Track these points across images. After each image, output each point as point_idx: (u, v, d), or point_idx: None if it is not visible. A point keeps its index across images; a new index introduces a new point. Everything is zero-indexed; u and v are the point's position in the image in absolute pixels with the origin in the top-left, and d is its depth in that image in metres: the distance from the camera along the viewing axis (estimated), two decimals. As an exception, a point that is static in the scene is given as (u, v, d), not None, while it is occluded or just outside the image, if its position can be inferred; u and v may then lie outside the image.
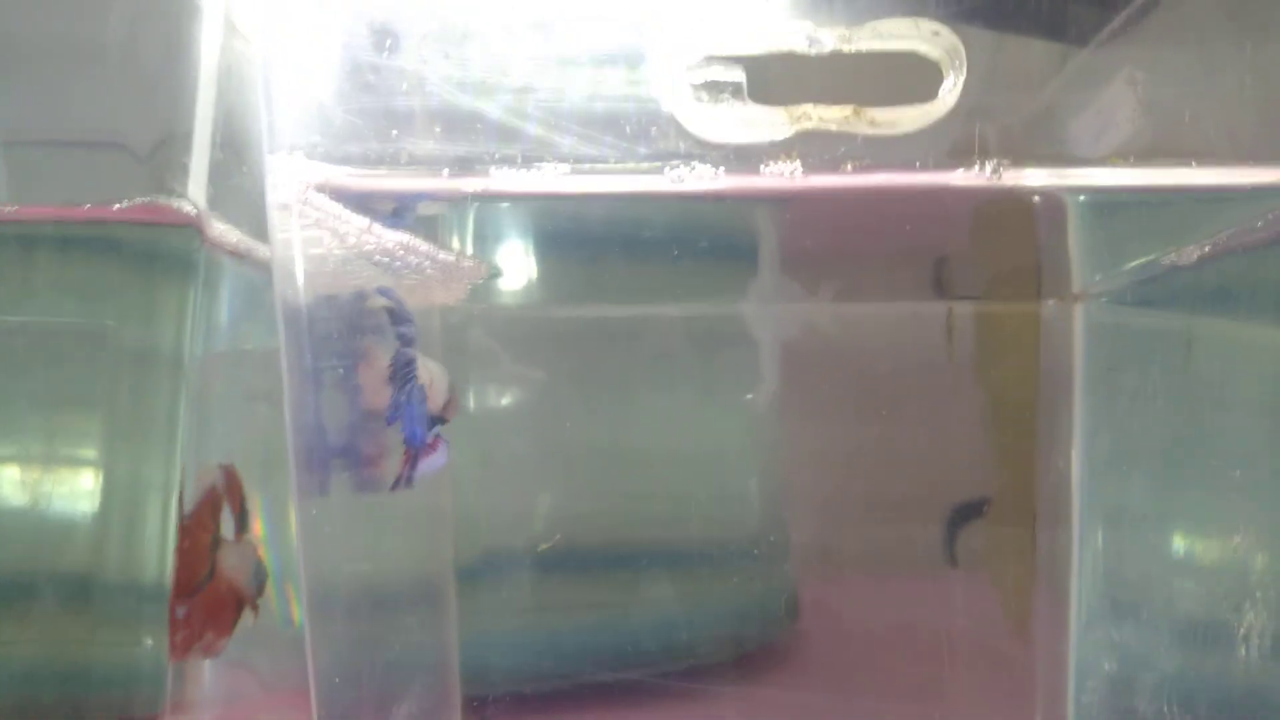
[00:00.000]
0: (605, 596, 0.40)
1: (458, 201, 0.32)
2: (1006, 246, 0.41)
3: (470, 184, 0.27)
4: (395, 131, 0.27)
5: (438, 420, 0.37)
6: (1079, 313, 0.41)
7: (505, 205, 0.33)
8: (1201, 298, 0.36)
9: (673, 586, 0.40)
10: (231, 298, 0.41)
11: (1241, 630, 0.33)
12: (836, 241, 0.39)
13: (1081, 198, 0.34)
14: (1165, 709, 0.37)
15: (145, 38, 0.36)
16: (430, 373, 0.37)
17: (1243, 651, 0.33)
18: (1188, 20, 0.33)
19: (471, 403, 0.41)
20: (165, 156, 0.37)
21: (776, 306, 0.41)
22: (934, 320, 0.43)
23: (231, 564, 0.41)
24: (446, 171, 0.27)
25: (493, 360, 0.41)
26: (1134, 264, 0.39)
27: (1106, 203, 0.36)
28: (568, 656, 0.40)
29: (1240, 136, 0.31)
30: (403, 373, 0.36)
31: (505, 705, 0.38)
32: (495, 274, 0.38)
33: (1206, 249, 0.35)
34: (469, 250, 0.37)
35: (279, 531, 0.43)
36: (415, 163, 0.27)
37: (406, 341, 0.36)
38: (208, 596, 0.40)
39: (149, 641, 0.37)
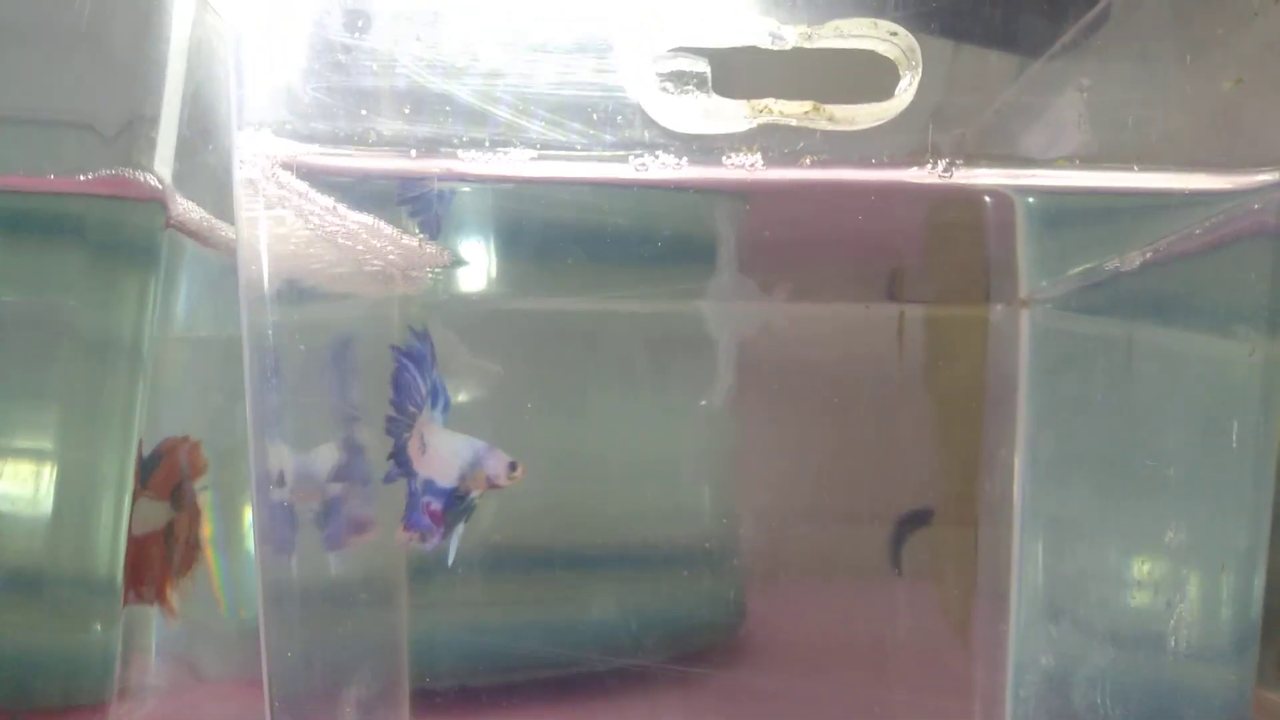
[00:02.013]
0: (553, 593, 0.40)
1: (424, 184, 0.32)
2: (957, 252, 0.42)
3: (436, 165, 0.27)
4: (364, 111, 0.27)
5: (459, 498, 0.36)
6: (1026, 318, 0.42)
7: (470, 191, 0.33)
8: (1143, 304, 0.37)
9: (621, 586, 0.40)
10: (191, 283, 0.41)
11: (1171, 629, 0.34)
12: (790, 238, 0.39)
13: (1030, 200, 0.35)
14: (1099, 702, 0.38)
15: (115, 11, 0.36)
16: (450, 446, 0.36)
17: (1171, 650, 0.34)
18: (1135, 32, 0.34)
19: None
20: (133, 132, 0.37)
21: (731, 304, 0.41)
22: (885, 322, 0.43)
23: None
24: (414, 152, 0.27)
25: (449, 353, 0.41)
26: (1079, 269, 0.40)
27: (1055, 205, 0.37)
28: (513, 651, 0.40)
29: (1182, 142, 0.32)
30: (402, 458, 0.35)
31: (451, 697, 0.38)
32: (457, 261, 0.38)
33: (1148, 255, 0.36)
34: (429, 236, 0.37)
35: (228, 525, 0.43)
36: (383, 143, 0.27)
37: (405, 411, 0.35)
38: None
39: (99, 630, 0.37)
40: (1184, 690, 0.34)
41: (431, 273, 0.38)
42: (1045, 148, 0.32)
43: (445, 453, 0.35)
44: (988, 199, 0.34)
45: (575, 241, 0.37)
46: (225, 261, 0.39)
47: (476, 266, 0.40)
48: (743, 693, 0.40)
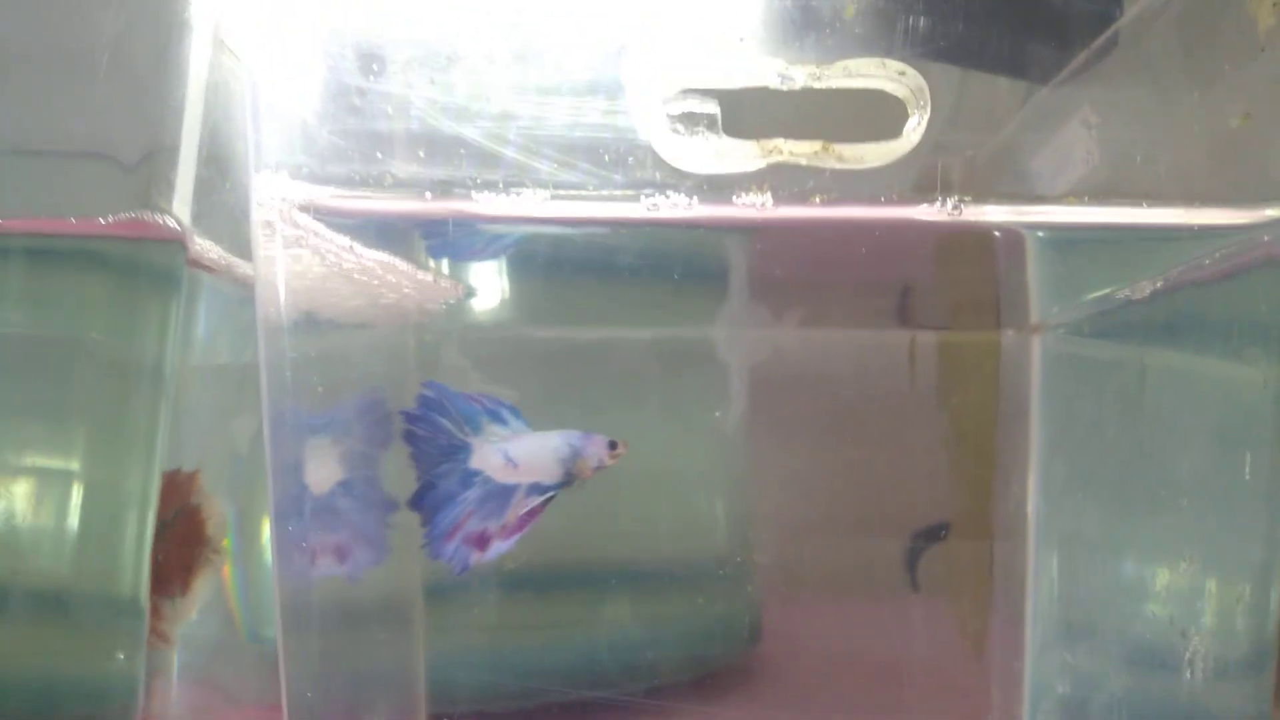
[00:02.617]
0: (570, 615, 0.40)
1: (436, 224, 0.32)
2: (967, 279, 0.42)
3: (450, 207, 0.27)
4: (379, 153, 0.27)
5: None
6: (1037, 343, 0.42)
7: (482, 228, 0.34)
8: (1154, 331, 0.37)
9: (637, 607, 0.40)
10: (208, 312, 0.41)
11: (1188, 654, 0.34)
12: (804, 271, 0.40)
13: (1040, 233, 0.35)
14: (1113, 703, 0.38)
15: (135, 51, 0.37)
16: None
17: (1188, 674, 0.34)
18: (1142, 64, 0.34)
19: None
20: (151, 170, 0.37)
21: (745, 332, 0.41)
22: (897, 348, 0.43)
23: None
24: (429, 194, 0.27)
25: (464, 379, 0.41)
26: (1090, 297, 0.40)
27: (1064, 238, 0.37)
28: (531, 675, 0.40)
29: (1190, 178, 0.32)
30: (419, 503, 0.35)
31: (466, 720, 0.38)
32: (470, 294, 0.39)
33: (1159, 284, 0.36)
34: (445, 270, 0.37)
35: (248, 547, 0.43)
36: (399, 185, 0.27)
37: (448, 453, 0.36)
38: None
39: (122, 655, 0.38)
40: (1201, 711, 0.34)
41: (445, 304, 0.38)
42: (1052, 180, 0.32)
43: (542, 453, 0.36)
44: (997, 233, 0.34)
45: (589, 273, 0.38)
46: (242, 292, 0.40)
47: (490, 297, 0.40)
48: (760, 712, 0.40)
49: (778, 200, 0.28)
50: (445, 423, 0.36)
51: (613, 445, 0.36)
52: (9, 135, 0.37)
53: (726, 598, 0.40)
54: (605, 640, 0.40)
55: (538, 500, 0.36)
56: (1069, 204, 0.31)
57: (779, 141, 0.27)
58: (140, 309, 0.38)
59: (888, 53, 0.27)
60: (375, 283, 0.34)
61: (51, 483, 0.37)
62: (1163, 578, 0.36)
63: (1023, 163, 0.32)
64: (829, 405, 0.42)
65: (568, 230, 0.33)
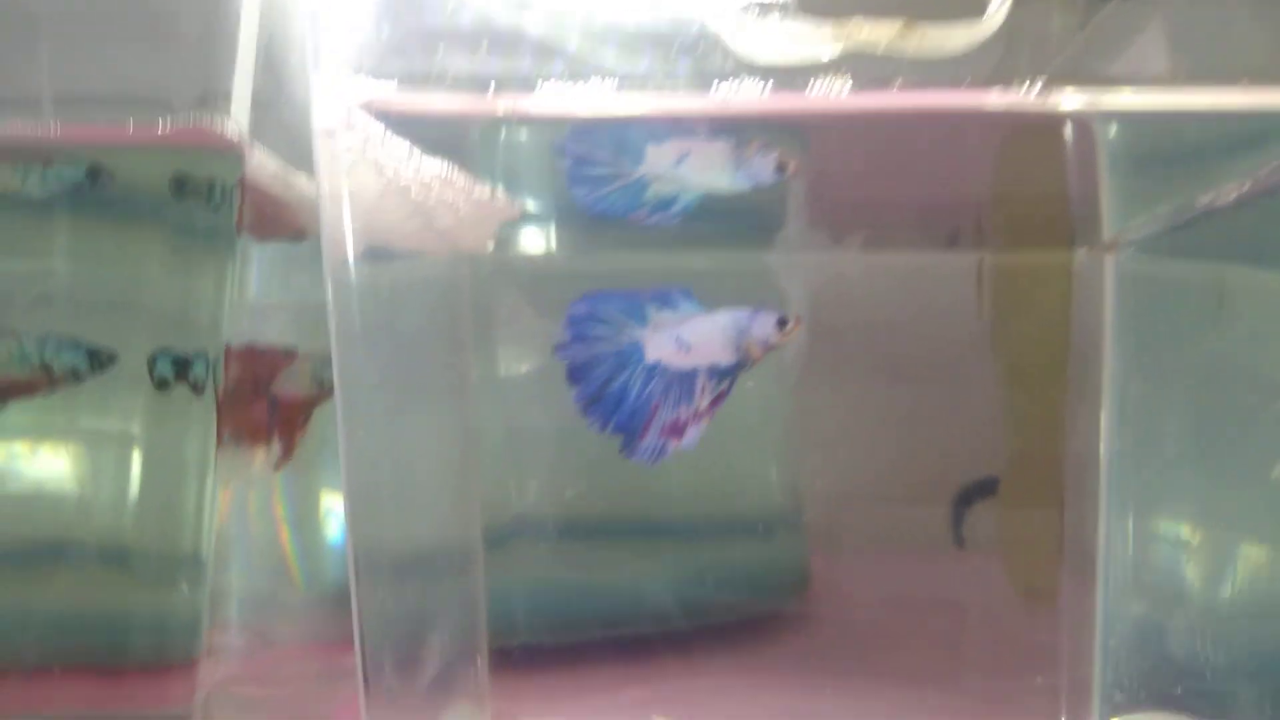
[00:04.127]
0: (620, 560, 0.40)
1: (492, 127, 0.31)
2: (1036, 190, 0.40)
3: (507, 104, 0.26)
4: (439, 47, 0.26)
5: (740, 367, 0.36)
6: (1111, 263, 0.40)
7: (540, 132, 0.33)
8: (1241, 245, 0.35)
9: (686, 551, 0.40)
10: (261, 252, 0.41)
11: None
12: (861, 184, 0.38)
13: (1116, 127, 0.33)
14: (1199, 651, 0.36)
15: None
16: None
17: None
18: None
19: (500, 364, 0.40)
20: (206, 99, 0.36)
21: (800, 255, 0.40)
22: (962, 272, 0.42)
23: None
24: (491, 90, 0.26)
25: (518, 316, 0.40)
26: (1169, 209, 0.38)
27: (1143, 136, 0.35)
28: (584, 612, 0.40)
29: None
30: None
31: (526, 654, 0.38)
32: (527, 216, 0.38)
33: (1246, 188, 0.34)
34: (500, 188, 0.36)
35: (300, 505, 0.44)
36: (457, 82, 0.26)
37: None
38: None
39: (186, 595, 0.38)
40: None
41: (498, 229, 0.38)
42: (1137, 70, 0.31)
43: (713, 332, 0.35)
44: (1068, 131, 0.33)
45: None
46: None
47: (544, 221, 0.39)
48: (813, 655, 0.39)
49: (857, 87, 0.26)
50: (608, 330, 0.36)
51: (782, 323, 0.35)
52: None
53: (775, 546, 0.40)
54: (654, 582, 0.40)
55: (720, 383, 0.35)
56: (1152, 89, 0.29)
57: (857, 22, 0.26)
58: (196, 254, 0.37)
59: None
60: (432, 201, 0.33)
61: (112, 442, 0.37)
62: (1255, 527, 0.34)
63: (1105, 51, 0.31)
64: (889, 342, 0.41)
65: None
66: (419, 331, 0.36)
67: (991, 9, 0.26)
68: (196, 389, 0.37)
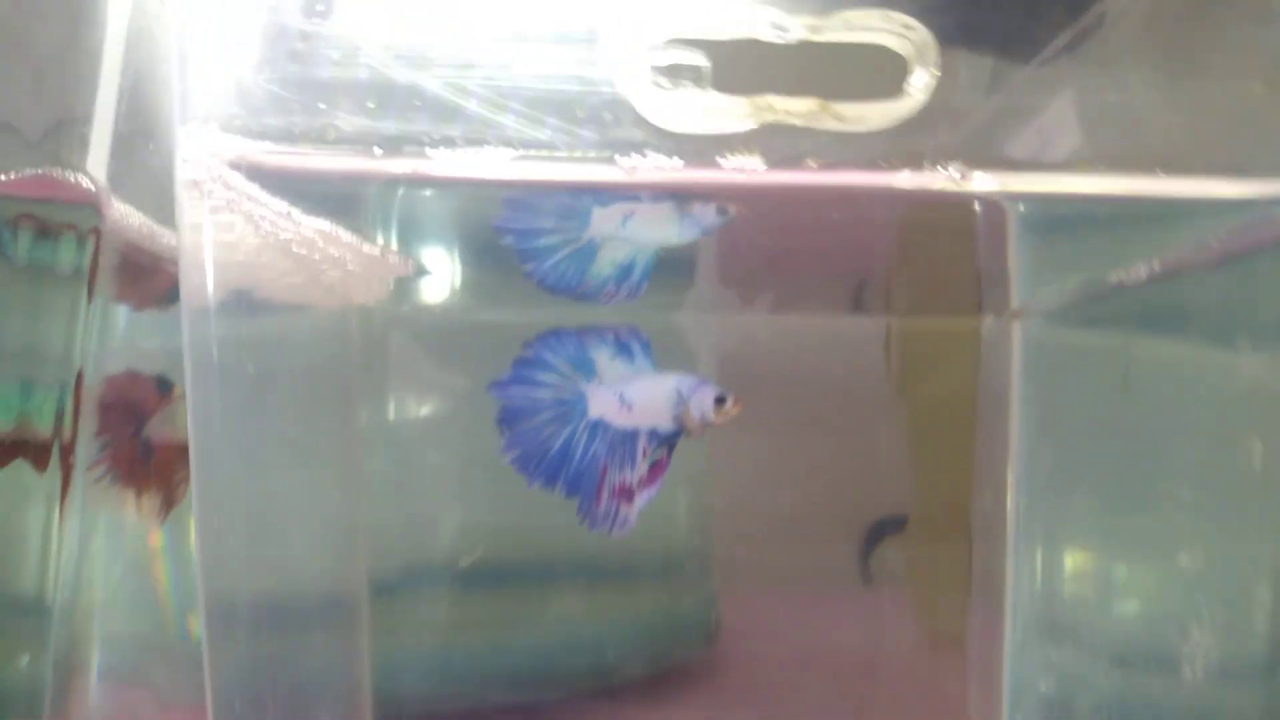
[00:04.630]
0: (525, 613, 0.39)
1: (386, 187, 0.30)
2: (946, 260, 0.41)
3: (403, 166, 0.24)
4: (322, 104, 0.24)
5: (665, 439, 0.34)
6: (1018, 330, 0.41)
7: (435, 193, 0.31)
8: (1147, 318, 0.36)
9: (592, 603, 0.39)
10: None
11: (1185, 653, 0.33)
12: (775, 247, 0.38)
13: (1023, 207, 0.33)
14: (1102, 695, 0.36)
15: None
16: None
17: (1187, 674, 0.33)
18: (1147, 29, 0.33)
19: (391, 412, 0.39)
20: (61, 132, 0.34)
21: (711, 316, 0.40)
22: (872, 334, 0.42)
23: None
24: (378, 151, 0.24)
25: (412, 366, 0.39)
26: (1077, 281, 0.39)
27: (1051, 214, 0.35)
28: (485, 676, 0.38)
29: (1195, 148, 0.31)
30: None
31: None
32: (421, 271, 0.36)
33: (1156, 266, 0.34)
34: (394, 243, 0.35)
35: (178, 543, 0.41)
36: (343, 140, 0.25)
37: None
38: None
39: (26, 656, 0.35)
40: (1201, 713, 0.32)
41: (391, 283, 0.36)
42: (1044, 151, 0.30)
43: (655, 395, 0.33)
44: (978, 207, 0.33)
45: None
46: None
47: (440, 276, 0.38)
48: (721, 708, 0.38)
49: (769, 164, 0.25)
50: (554, 376, 0.34)
51: (720, 401, 0.33)
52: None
53: (684, 593, 0.39)
54: (559, 639, 0.39)
55: (658, 449, 0.34)
56: (1062, 173, 0.29)
57: (772, 99, 0.25)
58: (46, 289, 0.34)
59: (890, 4, 0.25)
60: (316, 257, 0.31)
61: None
62: (1155, 574, 0.35)
63: (1014, 132, 0.30)
64: (798, 395, 0.41)
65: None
66: (299, 381, 0.34)
67: (914, 86, 0.25)
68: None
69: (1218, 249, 0.31)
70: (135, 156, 0.34)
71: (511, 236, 0.32)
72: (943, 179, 0.26)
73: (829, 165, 0.25)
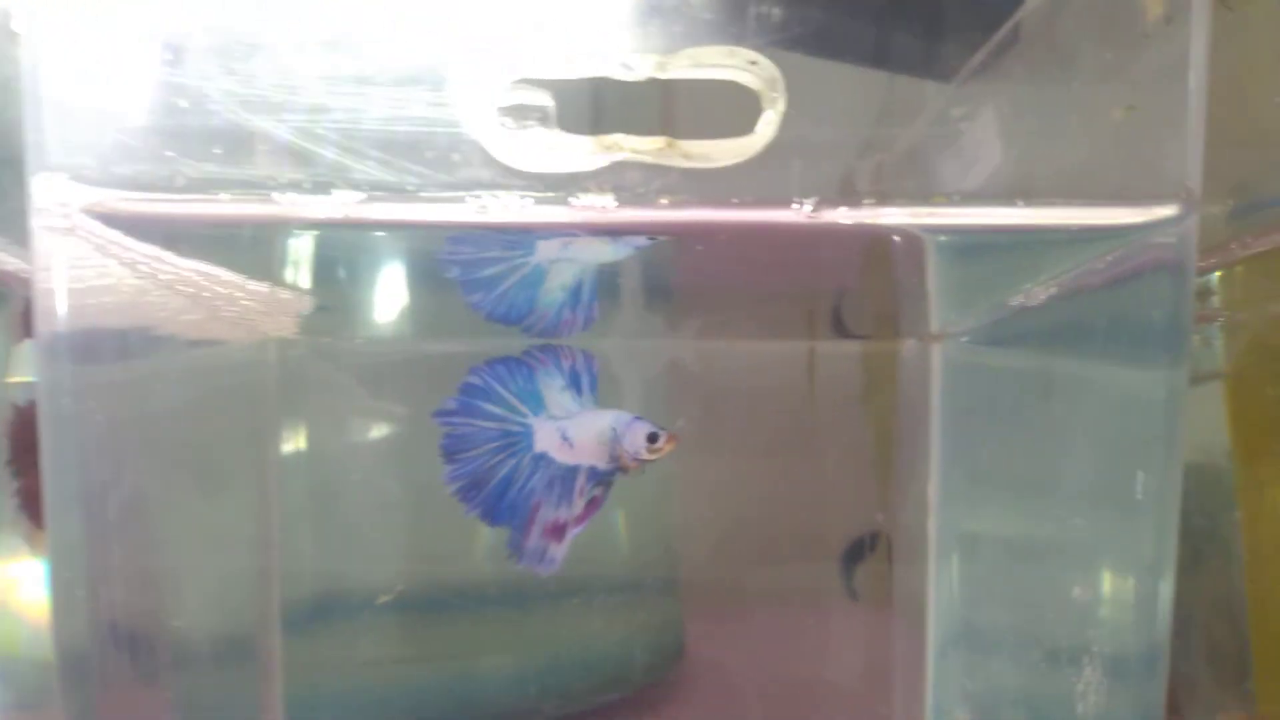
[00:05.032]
0: (459, 643, 0.39)
1: (277, 229, 0.30)
2: (869, 287, 0.41)
3: (259, 210, 0.25)
4: (171, 152, 0.25)
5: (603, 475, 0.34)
6: (937, 352, 0.41)
7: (326, 233, 0.31)
8: (1051, 338, 0.36)
9: (540, 630, 0.39)
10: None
11: (1087, 659, 0.33)
12: (701, 275, 0.38)
13: (940, 238, 0.33)
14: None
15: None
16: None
17: (1087, 678, 0.33)
18: (1037, 59, 0.33)
19: (305, 442, 0.39)
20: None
21: (633, 343, 0.40)
22: (795, 359, 0.43)
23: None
24: (228, 196, 0.25)
25: (329, 396, 0.39)
26: (989, 305, 0.39)
27: (961, 243, 0.36)
28: (415, 714, 0.38)
29: (1085, 176, 0.31)
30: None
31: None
32: (324, 306, 0.36)
33: (1053, 290, 0.35)
34: (298, 279, 0.35)
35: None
36: (192, 187, 0.25)
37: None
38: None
39: None
40: (1100, 713, 0.33)
41: (298, 316, 0.36)
42: (951, 181, 0.30)
43: (592, 432, 0.34)
44: (896, 238, 0.33)
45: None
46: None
47: (349, 309, 0.38)
48: None
49: (622, 202, 0.25)
50: (499, 409, 0.34)
51: (653, 438, 0.33)
52: None
53: (648, 613, 0.39)
54: (505, 665, 0.38)
55: (595, 487, 0.34)
56: (953, 205, 0.29)
57: (619, 137, 0.25)
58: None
59: (740, 41, 0.25)
60: (205, 295, 0.32)
61: None
62: (1061, 583, 0.35)
63: (922, 164, 0.31)
64: (717, 418, 0.41)
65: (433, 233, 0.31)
66: (203, 416, 0.34)
67: (762, 122, 0.25)
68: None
69: (1105, 273, 0.31)
70: (8, 202, 0.34)
71: (457, 269, 0.32)
72: (800, 214, 0.26)
73: (683, 203, 0.25)
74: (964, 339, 0.40)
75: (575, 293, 0.33)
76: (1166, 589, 0.31)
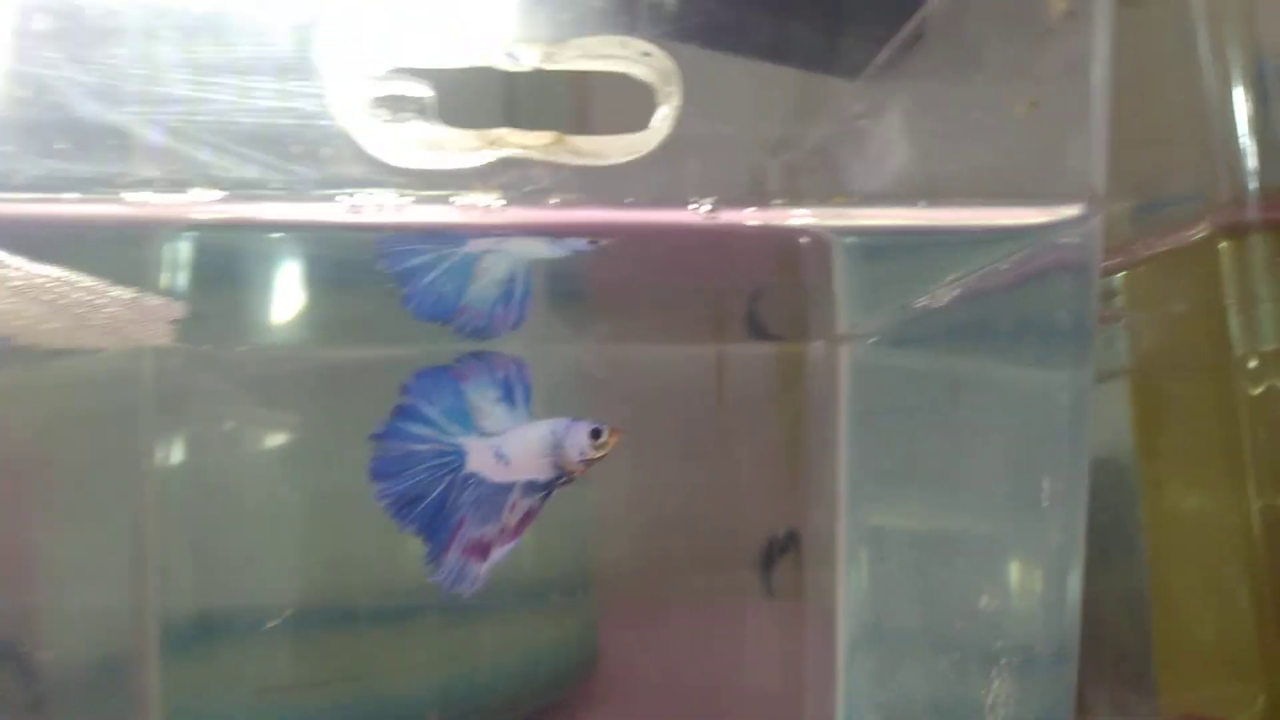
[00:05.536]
0: (356, 664, 0.37)
1: (140, 230, 0.28)
2: (777, 289, 0.41)
3: (101, 210, 0.23)
4: (10, 147, 0.22)
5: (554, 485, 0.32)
6: (845, 354, 0.41)
7: (196, 235, 0.29)
8: (957, 338, 0.36)
9: (445, 643, 0.37)
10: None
11: (996, 657, 0.33)
12: (607, 277, 0.37)
13: (847, 239, 0.33)
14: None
15: None
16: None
17: (996, 676, 0.32)
18: (942, 56, 0.32)
19: (187, 455, 0.37)
20: None
21: (538, 347, 0.38)
22: (704, 361, 0.42)
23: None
24: (73, 196, 0.23)
25: (212, 406, 0.37)
26: (895, 306, 0.38)
27: (867, 244, 0.35)
28: None
29: (989, 176, 0.31)
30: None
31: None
32: (199, 313, 0.34)
33: (958, 291, 0.34)
34: (172, 284, 0.33)
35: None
36: (31, 185, 0.23)
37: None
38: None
39: None
40: (1012, 708, 0.33)
41: (170, 323, 0.34)
42: (859, 181, 0.30)
43: (529, 445, 0.32)
44: (803, 239, 0.32)
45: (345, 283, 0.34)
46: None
47: (232, 315, 0.36)
48: None
49: (509, 201, 0.24)
50: (430, 430, 0.32)
51: (596, 434, 0.32)
52: None
53: (559, 622, 0.38)
54: (402, 690, 0.37)
55: (532, 500, 0.32)
56: (856, 205, 0.28)
57: (504, 132, 0.23)
58: None
59: (631, 31, 0.23)
60: (64, 302, 0.29)
61: None
62: (971, 582, 0.35)
63: (829, 164, 0.30)
64: (631, 423, 0.40)
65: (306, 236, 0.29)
66: (60, 429, 0.32)
67: (657, 118, 0.24)
68: None
69: (1009, 274, 0.31)
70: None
71: (392, 265, 0.31)
72: (698, 214, 0.25)
73: (574, 203, 0.24)
74: (872, 340, 0.40)
75: (509, 287, 0.32)
76: (1075, 585, 0.31)
